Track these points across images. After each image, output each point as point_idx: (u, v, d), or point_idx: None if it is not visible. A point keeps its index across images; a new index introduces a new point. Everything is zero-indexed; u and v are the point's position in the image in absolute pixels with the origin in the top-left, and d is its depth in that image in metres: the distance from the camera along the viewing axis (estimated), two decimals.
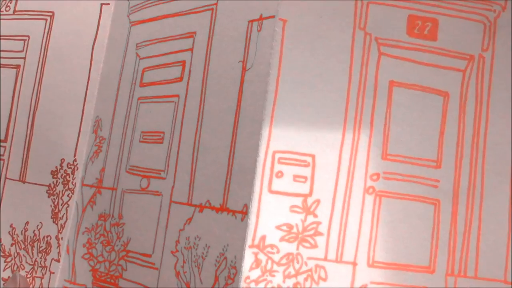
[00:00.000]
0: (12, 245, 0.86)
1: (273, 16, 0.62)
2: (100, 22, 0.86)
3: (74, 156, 0.83)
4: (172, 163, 0.69)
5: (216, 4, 0.69)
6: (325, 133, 0.61)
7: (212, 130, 0.65)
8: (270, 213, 0.60)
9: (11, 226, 0.86)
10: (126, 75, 0.79)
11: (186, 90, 0.70)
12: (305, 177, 0.61)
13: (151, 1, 0.79)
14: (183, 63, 0.71)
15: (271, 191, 0.60)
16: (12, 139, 0.88)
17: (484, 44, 0.64)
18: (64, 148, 0.83)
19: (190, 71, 0.70)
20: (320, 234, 0.60)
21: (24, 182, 0.86)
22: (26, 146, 0.87)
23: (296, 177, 0.60)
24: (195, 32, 0.71)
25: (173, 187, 0.69)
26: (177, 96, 0.71)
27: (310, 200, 0.60)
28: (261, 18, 0.63)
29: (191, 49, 0.70)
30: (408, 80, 0.63)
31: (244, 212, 0.60)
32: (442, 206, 0.62)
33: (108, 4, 0.86)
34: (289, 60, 0.61)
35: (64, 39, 0.86)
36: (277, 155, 0.60)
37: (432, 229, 0.61)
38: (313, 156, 0.61)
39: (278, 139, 0.60)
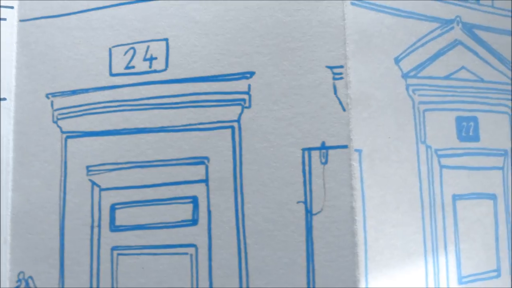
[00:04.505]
0: None
1: (345, 146, 0.48)
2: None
3: None
4: None
5: (236, 122, 0.51)
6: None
7: None
8: None
9: None
10: (78, 214, 0.55)
11: (209, 239, 0.51)
12: None
13: (101, 104, 0.55)
14: (193, 199, 0.52)
15: None
16: None
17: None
18: None
19: (210, 211, 0.51)
20: None
21: None
22: None
23: None
24: (207, 158, 0.52)
25: None
26: (193, 246, 0.52)
27: None
28: (323, 147, 0.49)
29: (204, 181, 0.52)
30: (466, 190, 0.57)
31: None
32: None
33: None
34: (370, 200, 0.49)
35: None
36: None
37: None
38: None
39: None
